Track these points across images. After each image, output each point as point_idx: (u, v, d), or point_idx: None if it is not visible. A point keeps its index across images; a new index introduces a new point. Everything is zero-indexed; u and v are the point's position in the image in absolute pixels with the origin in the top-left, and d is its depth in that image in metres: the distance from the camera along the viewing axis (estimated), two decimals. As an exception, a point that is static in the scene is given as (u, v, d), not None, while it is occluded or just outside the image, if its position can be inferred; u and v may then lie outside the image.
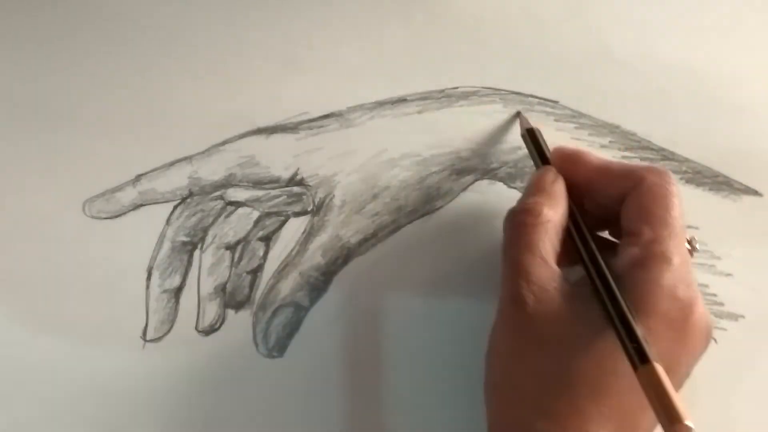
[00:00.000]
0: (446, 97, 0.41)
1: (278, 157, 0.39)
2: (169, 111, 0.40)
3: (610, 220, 0.34)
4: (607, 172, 0.34)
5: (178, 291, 0.38)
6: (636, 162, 0.35)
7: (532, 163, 0.39)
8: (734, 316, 0.38)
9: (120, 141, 0.39)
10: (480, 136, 0.40)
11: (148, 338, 0.37)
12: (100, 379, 0.37)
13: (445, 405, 0.37)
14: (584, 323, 0.30)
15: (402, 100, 0.40)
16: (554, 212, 0.33)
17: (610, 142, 0.40)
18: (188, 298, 0.38)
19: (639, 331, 0.29)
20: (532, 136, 0.38)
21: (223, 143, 0.39)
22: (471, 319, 0.38)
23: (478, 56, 0.41)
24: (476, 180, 0.39)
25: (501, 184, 0.39)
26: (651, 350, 0.28)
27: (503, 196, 0.39)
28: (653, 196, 0.32)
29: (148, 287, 0.38)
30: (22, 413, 0.36)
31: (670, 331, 0.30)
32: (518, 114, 0.40)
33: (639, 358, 0.28)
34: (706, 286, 0.38)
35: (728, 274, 0.38)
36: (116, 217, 0.39)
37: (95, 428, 0.36)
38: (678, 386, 0.31)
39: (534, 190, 0.34)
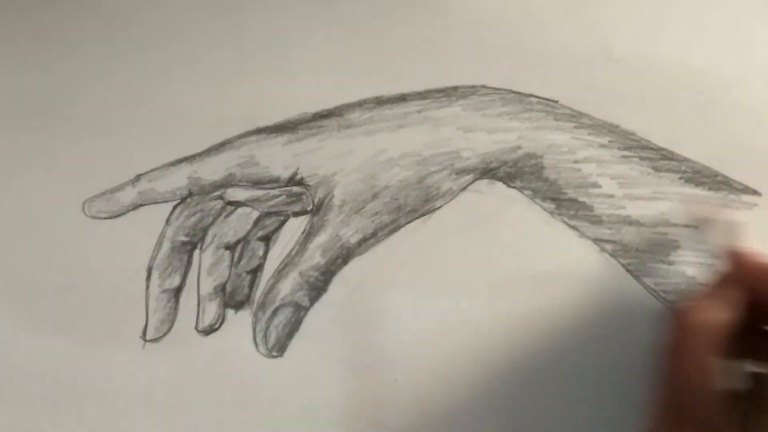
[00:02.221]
0: (446, 96, 0.40)
1: (278, 156, 0.39)
2: (168, 111, 0.40)
3: None
4: None
5: (177, 291, 0.38)
6: None
7: (532, 162, 0.39)
8: (733, 316, 0.38)
9: (119, 141, 0.39)
10: (479, 135, 0.40)
11: (148, 338, 0.37)
12: (100, 378, 0.37)
13: (445, 403, 0.37)
14: None
15: (401, 100, 0.40)
16: (726, 320, 0.31)
17: (609, 141, 0.40)
18: (188, 298, 0.38)
19: None
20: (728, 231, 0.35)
21: (223, 143, 0.39)
22: (470, 319, 0.38)
23: (478, 56, 0.41)
24: (476, 179, 0.39)
25: (500, 183, 0.39)
26: None
27: (503, 196, 0.39)
28: None
29: (147, 287, 0.38)
30: (22, 413, 0.36)
31: None
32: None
33: None
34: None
35: (728, 274, 0.38)
36: (116, 217, 0.39)
37: (95, 428, 0.36)
38: None
39: (710, 294, 0.32)
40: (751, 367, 0.31)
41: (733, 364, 0.31)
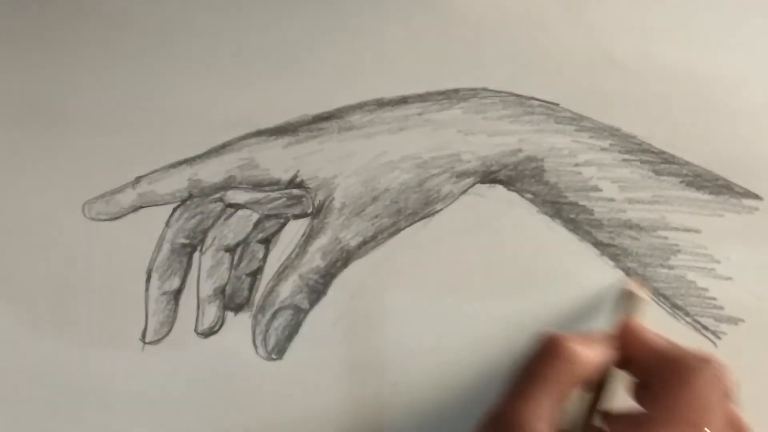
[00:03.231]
0: (446, 99, 0.40)
1: (278, 159, 0.39)
2: (168, 113, 0.40)
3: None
4: (661, 351, 0.33)
5: (177, 293, 0.38)
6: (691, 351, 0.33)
7: (532, 165, 0.39)
8: (734, 320, 0.38)
9: (119, 143, 0.39)
10: (480, 138, 0.40)
11: (147, 340, 0.37)
12: (99, 380, 0.37)
13: (445, 407, 0.37)
14: None
15: (402, 102, 0.40)
16: (590, 365, 0.32)
17: (610, 144, 0.40)
18: (187, 301, 0.38)
19: None
20: (631, 302, 0.36)
21: (223, 145, 0.39)
22: (470, 321, 0.38)
23: (479, 58, 0.41)
24: (476, 183, 0.39)
25: (501, 186, 0.39)
26: None
27: (503, 199, 0.39)
28: (700, 393, 0.31)
29: (147, 289, 0.38)
30: (21, 414, 0.36)
31: None
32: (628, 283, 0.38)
33: None
34: (706, 289, 0.38)
35: (728, 278, 0.38)
36: (116, 219, 0.39)
37: (95, 429, 0.36)
38: None
39: (585, 339, 0.33)
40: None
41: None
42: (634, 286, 0.37)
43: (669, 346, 0.33)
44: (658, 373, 0.32)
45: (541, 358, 0.32)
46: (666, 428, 0.30)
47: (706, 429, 0.30)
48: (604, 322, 0.37)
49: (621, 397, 0.34)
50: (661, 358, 0.33)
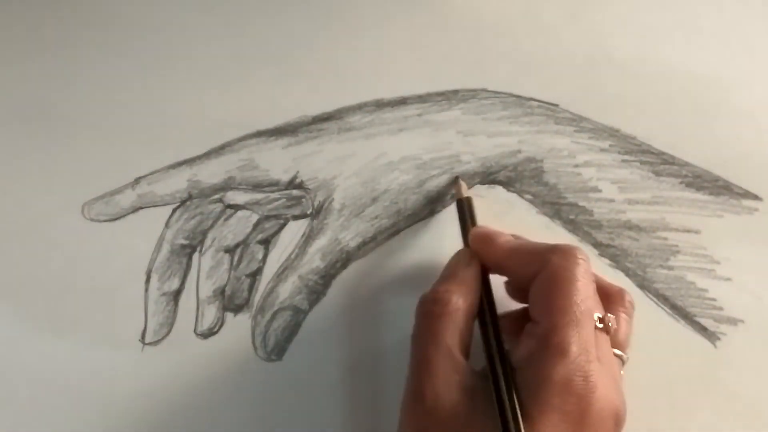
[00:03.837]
0: (446, 100, 0.40)
1: (277, 160, 0.39)
2: (168, 114, 0.40)
3: None
4: (517, 254, 0.33)
5: (176, 294, 0.38)
6: (548, 242, 0.33)
7: (532, 166, 0.39)
8: (733, 321, 0.38)
9: (119, 144, 0.39)
10: (480, 139, 0.40)
11: (146, 341, 0.37)
12: (98, 381, 0.37)
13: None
14: (481, 420, 0.30)
15: (402, 103, 0.40)
16: (464, 300, 0.32)
17: (610, 145, 0.40)
18: (187, 301, 0.38)
19: (523, 429, 0.28)
20: (460, 207, 0.37)
21: (223, 146, 0.39)
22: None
23: (479, 59, 0.41)
24: (475, 183, 0.39)
25: (500, 187, 0.39)
26: None
27: (502, 200, 0.39)
28: (555, 281, 0.31)
29: (146, 290, 0.38)
30: (21, 415, 0.36)
31: (566, 424, 0.29)
32: (457, 180, 0.39)
33: None
34: (706, 290, 0.38)
35: (727, 279, 0.38)
36: (115, 219, 0.39)
37: (94, 430, 0.36)
38: None
39: (446, 276, 0.34)
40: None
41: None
42: (461, 189, 0.37)
43: (520, 242, 0.34)
44: (519, 268, 0.33)
45: (424, 325, 0.32)
46: (539, 314, 0.31)
47: (576, 303, 0.30)
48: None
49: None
50: (517, 254, 0.33)
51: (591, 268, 0.32)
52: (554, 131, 0.40)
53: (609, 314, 0.32)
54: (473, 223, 0.36)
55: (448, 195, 0.39)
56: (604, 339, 0.32)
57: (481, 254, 0.34)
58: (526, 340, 0.31)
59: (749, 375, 0.37)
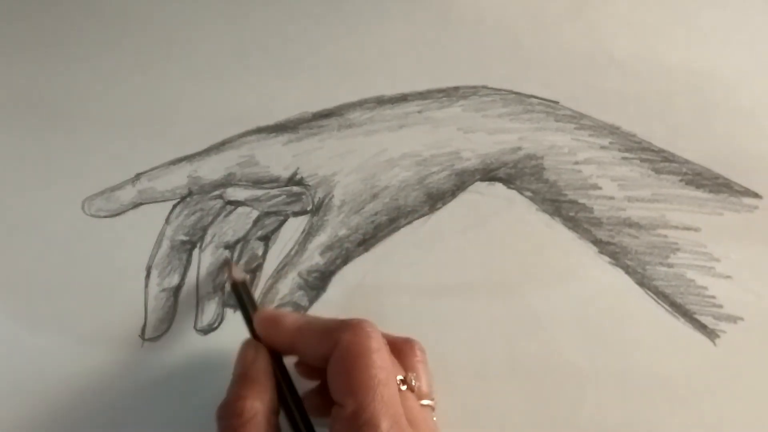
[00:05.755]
0: (447, 96, 0.40)
1: (278, 156, 0.39)
2: (168, 110, 0.40)
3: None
4: (306, 334, 0.32)
5: (176, 290, 0.38)
6: (336, 318, 0.32)
7: (532, 163, 0.39)
8: (733, 318, 0.38)
9: (120, 140, 0.39)
10: (480, 136, 0.40)
11: (146, 337, 0.37)
12: (98, 377, 0.37)
13: (442, 406, 0.37)
14: None
15: (402, 100, 0.40)
16: (260, 402, 0.31)
17: (610, 143, 0.40)
18: (187, 297, 0.38)
19: None
20: (237, 292, 0.35)
21: (223, 142, 0.39)
22: (468, 319, 0.38)
23: (479, 56, 0.41)
24: (476, 180, 0.39)
25: (500, 184, 0.39)
26: None
27: (502, 197, 0.39)
28: (351, 359, 0.30)
29: (146, 286, 0.38)
30: (21, 412, 0.36)
31: None
32: (227, 262, 0.38)
33: None
34: (705, 288, 0.38)
35: (727, 276, 0.38)
36: (116, 215, 0.39)
37: (94, 426, 0.36)
38: None
39: (237, 377, 0.32)
40: None
41: None
42: (232, 272, 0.36)
43: (309, 321, 0.33)
44: (310, 349, 0.32)
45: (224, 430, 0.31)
46: (342, 396, 0.30)
47: (376, 376, 0.30)
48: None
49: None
50: (306, 334, 0.32)
51: (380, 335, 0.31)
52: (554, 128, 0.40)
53: (409, 372, 0.32)
54: (254, 307, 0.35)
55: (449, 192, 0.39)
56: (411, 397, 0.31)
57: (270, 339, 0.33)
58: (336, 426, 0.30)
59: (749, 372, 0.37)
